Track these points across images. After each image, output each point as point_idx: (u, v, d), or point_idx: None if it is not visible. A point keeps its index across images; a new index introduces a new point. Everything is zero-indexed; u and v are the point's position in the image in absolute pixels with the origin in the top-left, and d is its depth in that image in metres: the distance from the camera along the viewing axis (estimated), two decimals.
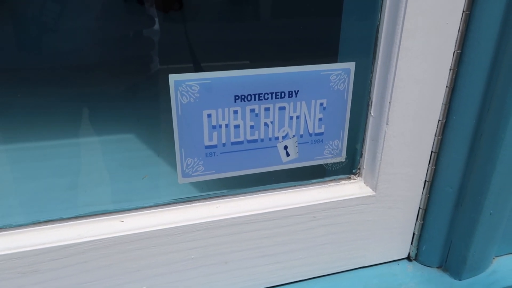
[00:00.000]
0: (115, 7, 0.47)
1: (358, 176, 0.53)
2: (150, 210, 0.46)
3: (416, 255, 0.57)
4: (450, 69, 0.46)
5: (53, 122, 0.52)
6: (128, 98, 0.54)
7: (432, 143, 0.50)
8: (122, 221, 0.44)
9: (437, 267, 0.56)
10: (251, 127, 0.45)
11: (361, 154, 0.52)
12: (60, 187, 0.52)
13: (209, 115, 0.43)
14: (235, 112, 0.44)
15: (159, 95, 0.50)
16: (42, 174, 0.53)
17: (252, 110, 0.44)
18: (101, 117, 0.54)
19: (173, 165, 0.45)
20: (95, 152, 0.55)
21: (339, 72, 0.46)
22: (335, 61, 0.46)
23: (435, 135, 0.50)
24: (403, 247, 0.57)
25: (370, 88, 0.48)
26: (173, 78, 0.41)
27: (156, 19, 0.50)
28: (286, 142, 0.47)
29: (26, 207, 0.51)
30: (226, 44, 0.55)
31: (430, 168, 0.52)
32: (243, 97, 0.44)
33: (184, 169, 0.45)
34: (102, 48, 0.49)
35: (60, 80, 0.49)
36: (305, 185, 0.51)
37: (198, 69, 0.51)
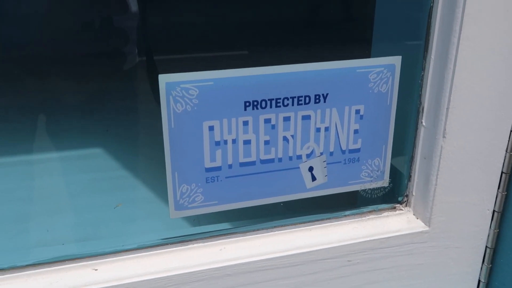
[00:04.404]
0: None
1: (406, 205, 0.49)
2: (133, 254, 0.42)
3: None
4: None
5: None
6: (97, 102, 0.48)
7: (503, 161, 0.46)
8: (96, 270, 0.40)
9: None
10: (266, 142, 0.41)
11: (410, 176, 0.48)
12: (13, 223, 0.48)
13: (211, 128, 0.39)
14: (245, 123, 0.40)
15: (137, 97, 0.43)
16: None
17: (267, 121, 0.40)
18: (63, 128, 0.51)
19: (162, 192, 0.41)
20: (56, 174, 0.51)
21: (381, 70, 0.41)
22: (367, 55, 0.42)
23: (507, 151, 0.45)
24: None
25: (421, 91, 0.44)
26: (164, 79, 0.36)
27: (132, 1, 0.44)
28: (311, 162, 0.43)
29: None
30: (222, 29, 0.50)
31: (500, 194, 0.47)
32: (255, 103, 0.39)
33: (178, 199, 0.40)
34: (62, 39, 0.47)
35: (10, 80, 0.45)
36: (337, 218, 0.47)
37: (183, 62, 0.45)
